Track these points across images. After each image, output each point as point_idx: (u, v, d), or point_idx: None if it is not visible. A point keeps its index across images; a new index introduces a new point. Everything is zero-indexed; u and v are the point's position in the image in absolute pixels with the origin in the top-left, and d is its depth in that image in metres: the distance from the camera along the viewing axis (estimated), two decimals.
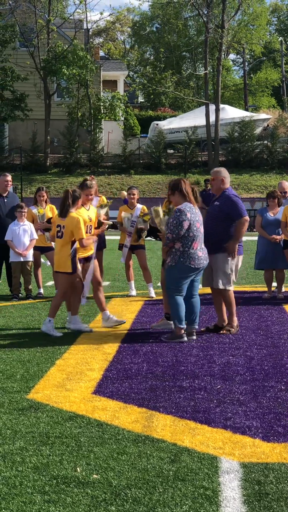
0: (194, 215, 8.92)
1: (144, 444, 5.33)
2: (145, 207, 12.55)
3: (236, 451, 5.17)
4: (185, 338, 8.97)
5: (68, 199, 9.46)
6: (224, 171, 9.62)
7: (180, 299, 8.98)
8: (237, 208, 9.33)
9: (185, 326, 9.06)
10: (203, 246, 9.04)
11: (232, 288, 9.47)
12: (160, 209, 9.54)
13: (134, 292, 12.71)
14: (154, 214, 9.56)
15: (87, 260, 9.89)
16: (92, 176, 12.76)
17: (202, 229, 9.04)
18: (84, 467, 4.88)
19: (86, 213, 9.86)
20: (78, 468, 4.85)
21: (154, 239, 9.71)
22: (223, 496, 4.45)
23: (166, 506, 4.31)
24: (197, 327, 9.25)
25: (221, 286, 9.36)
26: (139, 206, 12.55)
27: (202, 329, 9.60)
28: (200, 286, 9.52)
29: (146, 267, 12.56)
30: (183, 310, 8.97)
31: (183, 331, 8.99)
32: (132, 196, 12.61)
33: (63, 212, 9.48)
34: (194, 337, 9.11)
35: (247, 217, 9.43)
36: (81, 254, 9.74)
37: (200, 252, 8.96)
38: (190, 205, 8.98)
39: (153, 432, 5.60)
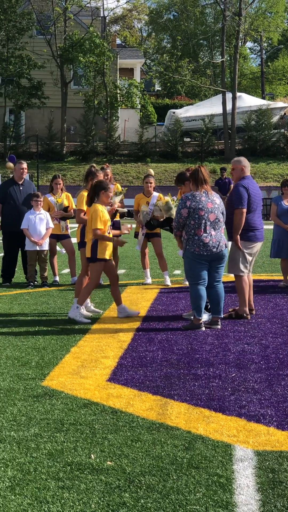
0: (197, 202, 8.79)
1: (158, 431, 5.33)
2: (161, 195, 12.51)
3: (250, 439, 5.17)
4: (203, 329, 8.94)
5: None
6: (244, 160, 9.61)
7: (201, 290, 8.87)
8: (237, 198, 9.35)
9: (203, 318, 9.02)
10: (213, 232, 8.83)
11: (243, 275, 9.50)
12: (170, 201, 9.52)
13: (149, 280, 12.69)
14: (165, 208, 9.53)
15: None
16: (107, 164, 12.71)
17: (211, 216, 8.81)
18: (98, 454, 4.89)
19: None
20: (92, 455, 4.86)
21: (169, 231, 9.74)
22: (237, 483, 4.44)
23: (180, 493, 4.31)
24: (221, 316, 9.17)
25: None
26: (155, 194, 12.51)
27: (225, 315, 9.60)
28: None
29: (162, 255, 12.55)
30: (202, 301, 8.89)
31: (201, 321, 8.97)
32: (149, 184, 12.57)
33: None
34: (219, 326, 9.06)
35: (241, 210, 9.31)
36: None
37: (207, 238, 8.78)
38: (196, 193, 8.89)
39: (167, 419, 5.60)
